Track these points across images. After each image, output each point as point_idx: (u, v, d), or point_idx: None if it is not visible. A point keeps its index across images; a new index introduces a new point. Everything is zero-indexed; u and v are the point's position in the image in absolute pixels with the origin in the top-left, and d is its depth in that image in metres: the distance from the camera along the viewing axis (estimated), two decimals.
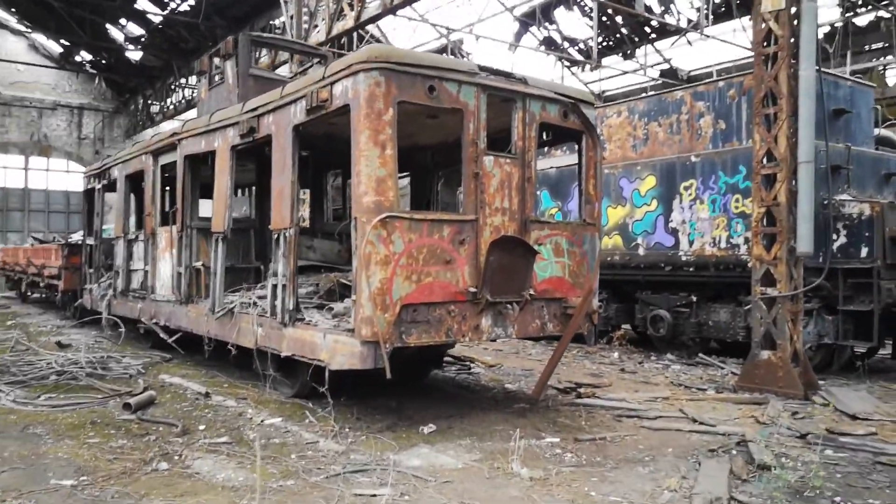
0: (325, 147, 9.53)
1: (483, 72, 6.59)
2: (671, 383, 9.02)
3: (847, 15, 21.80)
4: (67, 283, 15.80)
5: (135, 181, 11.61)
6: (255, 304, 7.76)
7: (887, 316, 9.20)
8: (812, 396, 7.92)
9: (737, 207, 10.21)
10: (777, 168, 8.21)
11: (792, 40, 8.23)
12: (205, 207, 9.91)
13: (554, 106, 7.14)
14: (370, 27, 17.57)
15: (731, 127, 10.45)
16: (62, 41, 29.23)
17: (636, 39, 25.75)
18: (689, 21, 22.46)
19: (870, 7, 21.57)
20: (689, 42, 24.50)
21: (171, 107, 27.98)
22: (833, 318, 9.48)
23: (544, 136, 7.93)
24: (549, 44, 26.25)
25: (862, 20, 22.48)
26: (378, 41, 22.69)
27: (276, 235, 7.19)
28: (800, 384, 7.98)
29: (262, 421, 6.76)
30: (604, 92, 27.98)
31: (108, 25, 26.67)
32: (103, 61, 30.56)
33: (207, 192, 9.13)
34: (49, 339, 12.46)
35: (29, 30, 28.71)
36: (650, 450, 5.90)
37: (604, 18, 24.84)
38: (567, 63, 26.84)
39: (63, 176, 32.47)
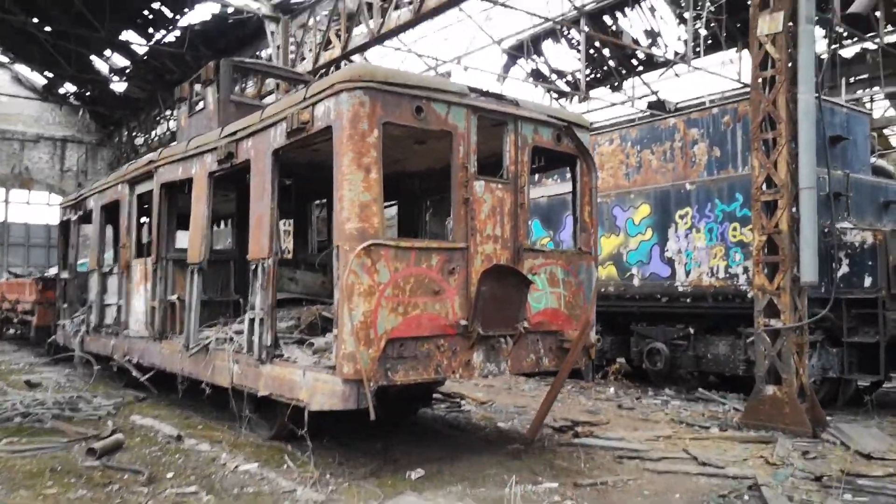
0: (308, 175, 9.17)
1: (473, 93, 6.27)
2: (672, 420, 8.58)
3: (833, 47, 21.92)
4: (41, 319, 15.24)
5: (111, 212, 11.17)
6: (231, 339, 7.29)
7: (893, 347, 8.86)
8: (821, 434, 7.52)
9: (734, 236, 9.90)
10: (777, 194, 7.92)
11: (790, 64, 8.01)
12: (182, 239, 9.48)
13: (547, 129, 6.82)
14: (357, 57, 17.49)
15: (727, 154, 10.20)
16: (46, 73, 28.97)
17: (623, 72, 25.83)
18: (677, 53, 22.52)
19: (855, 39, 21.72)
20: (677, 74, 24.58)
21: (156, 138, 27.67)
22: (837, 350, 9.12)
23: (537, 162, 7.61)
24: (537, 76, 26.28)
25: (848, 52, 22.63)
26: None
27: (253, 266, 6.76)
28: (807, 421, 7.57)
29: (235, 467, 6.25)
30: (592, 124, 27.93)
31: (92, 57, 26.45)
32: (87, 93, 30.29)
33: (185, 223, 8.71)
34: (20, 377, 11.89)
35: (11, 61, 28.42)
36: (656, 496, 5.45)
37: (591, 51, 24.93)
38: (555, 95, 26.84)
39: (44, 209, 31.94)
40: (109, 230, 11.92)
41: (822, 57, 21.66)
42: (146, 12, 22.51)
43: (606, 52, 25.11)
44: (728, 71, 22.18)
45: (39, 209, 31.99)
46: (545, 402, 6.84)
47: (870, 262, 8.88)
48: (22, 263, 28.56)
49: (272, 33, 17.96)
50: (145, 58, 25.06)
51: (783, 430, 7.60)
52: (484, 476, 5.92)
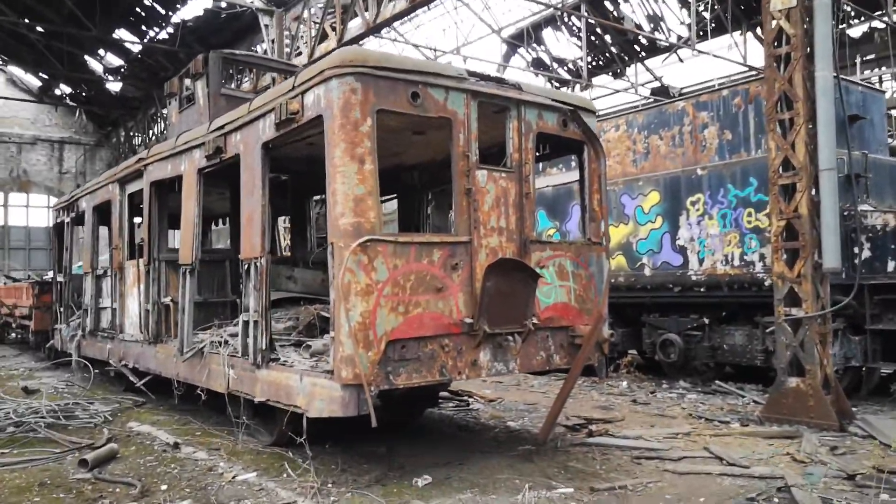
0: (305, 170, 8.82)
1: (472, 77, 5.90)
2: (689, 415, 8.23)
3: (840, 27, 21.42)
4: (38, 324, 14.96)
5: (103, 212, 10.86)
6: (226, 342, 6.96)
7: None
8: (848, 427, 7.17)
9: (749, 222, 9.51)
10: (796, 177, 7.53)
11: (805, 40, 7.61)
12: (177, 239, 9.16)
13: (552, 114, 6.44)
14: None
15: (739, 137, 9.80)
16: (40, 74, 28.66)
17: (626, 58, 25.39)
18: (680, 38, 22.06)
19: (863, 18, 21.22)
20: (681, 59, 24.10)
21: (154, 138, 27.34)
22: (860, 338, 8.74)
23: (542, 149, 7.23)
24: (538, 64, 25.85)
25: (855, 31, 22.13)
26: None
27: (246, 266, 6.42)
28: (833, 414, 7.21)
29: (233, 477, 5.95)
30: (597, 111, 27.50)
31: (86, 57, 26.11)
32: (83, 94, 29.98)
33: (178, 223, 8.38)
34: (18, 383, 11.62)
35: (4, 63, 28.11)
36: (679, 500, 5.11)
37: (592, 38, 24.48)
38: (557, 84, 26.41)
39: (44, 212, 31.67)
40: (105, 231, 11.62)
41: None
42: (138, 9, 22.16)
43: (608, 38, 24.66)
44: (733, 55, 21.72)
45: (39, 212, 31.73)
46: (557, 400, 6.49)
47: (892, 246, 8.51)
48: (23, 267, 28.36)
49: (266, 27, 17.59)
50: (139, 56, 24.71)
51: (808, 423, 7.24)
52: (495, 481, 5.59)
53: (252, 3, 17.67)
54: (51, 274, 18.66)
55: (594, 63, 25.92)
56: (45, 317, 14.72)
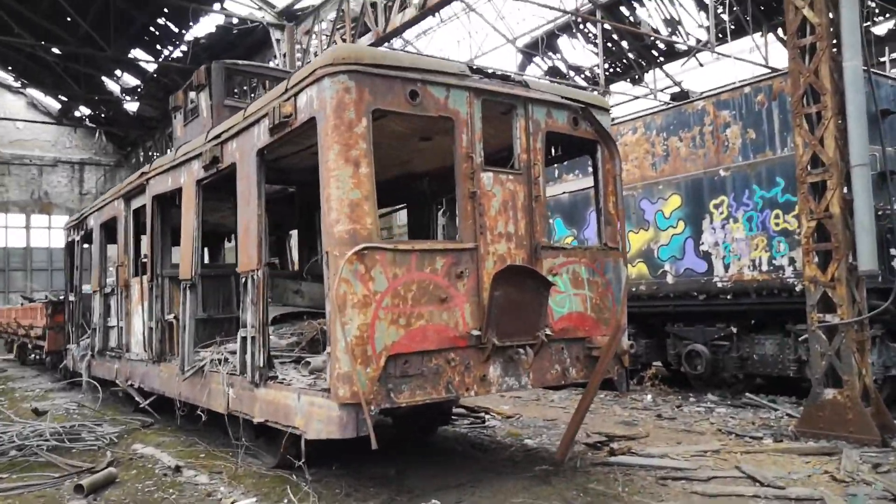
0: (312, 181, 8.50)
1: (475, 74, 5.57)
2: (719, 431, 7.75)
3: (865, 24, 20.80)
4: (52, 344, 14.87)
5: (110, 229, 10.68)
6: (226, 360, 6.65)
7: None
8: (891, 442, 6.65)
9: (777, 224, 9.03)
10: (826, 174, 7.07)
11: (831, 30, 7.19)
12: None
13: (561, 112, 6.08)
14: None
15: (763, 136, 9.34)
16: (60, 96, 28.96)
17: (644, 64, 24.92)
18: (699, 41, 21.59)
19: (888, 15, 20.60)
20: (700, 63, 23.61)
21: None
22: None
23: (553, 150, 6.86)
24: (554, 73, 25.50)
25: (880, 29, 21.49)
26: None
27: (243, 279, 6.12)
28: (874, 428, 6.70)
29: (232, 503, 5.61)
30: (614, 119, 27.08)
31: (103, 78, 26.31)
32: (102, 115, 30.24)
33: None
34: (31, 404, 11.47)
35: (23, 86, 28.46)
36: None
37: (609, 44, 24.09)
38: None
39: (65, 233, 31.91)
40: (113, 249, 11.46)
41: None
42: (152, 28, 22.26)
43: (625, 44, 24.24)
44: (754, 57, 21.17)
45: (60, 233, 31.93)
46: (575, 418, 6.07)
47: None
48: (45, 288, 28.47)
49: (278, 41, 17.53)
50: (155, 75, 24.84)
51: (847, 438, 6.73)
52: None
53: (263, 18, 17.61)
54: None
55: (611, 70, 25.48)
56: (58, 337, 14.61)
